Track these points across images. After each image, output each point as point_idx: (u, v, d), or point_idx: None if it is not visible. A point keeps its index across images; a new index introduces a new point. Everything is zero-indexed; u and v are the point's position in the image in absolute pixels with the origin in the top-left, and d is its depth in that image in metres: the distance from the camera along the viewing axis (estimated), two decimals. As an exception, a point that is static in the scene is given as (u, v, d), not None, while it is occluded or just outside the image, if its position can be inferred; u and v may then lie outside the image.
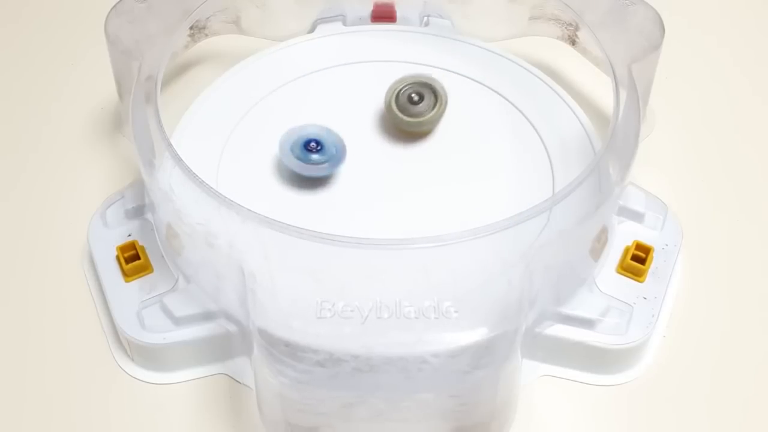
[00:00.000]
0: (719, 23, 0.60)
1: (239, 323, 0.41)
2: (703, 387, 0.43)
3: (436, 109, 0.47)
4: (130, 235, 0.45)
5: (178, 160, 0.41)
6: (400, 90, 0.48)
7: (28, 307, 0.45)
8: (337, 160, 0.46)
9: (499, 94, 0.50)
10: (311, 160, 0.45)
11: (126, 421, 0.42)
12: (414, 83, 0.48)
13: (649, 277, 0.44)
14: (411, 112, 0.47)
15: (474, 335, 0.37)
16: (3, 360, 0.44)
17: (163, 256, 0.44)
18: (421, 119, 0.47)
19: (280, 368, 0.37)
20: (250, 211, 0.39)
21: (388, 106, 0.47)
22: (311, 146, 0.45)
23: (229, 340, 0.42)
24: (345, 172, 0.47)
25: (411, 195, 0.46)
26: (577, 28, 0.51)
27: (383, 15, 0.54)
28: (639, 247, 0.45)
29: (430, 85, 0.48)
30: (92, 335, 0.44)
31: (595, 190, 0.41)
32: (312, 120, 0.48)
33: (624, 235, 0.45)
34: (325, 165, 0.46)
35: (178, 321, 0.42)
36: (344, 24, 0.54)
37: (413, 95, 0.47)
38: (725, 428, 0.42)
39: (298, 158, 0.45)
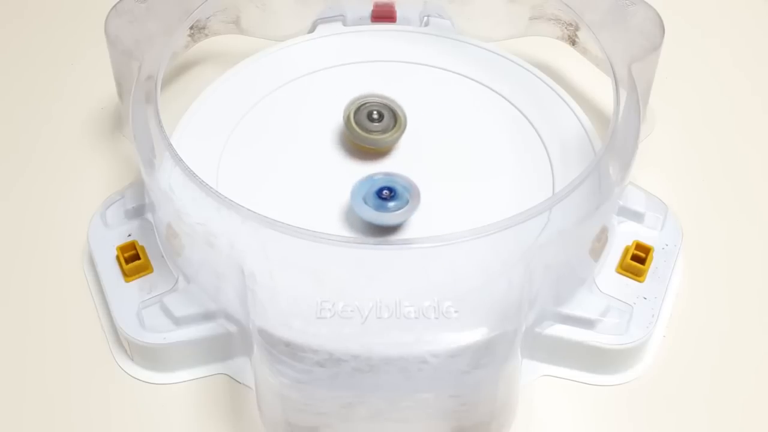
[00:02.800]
0: (719, 23, 0.60)
1: (239, 323, 0.41)
2: (703, 387, 0.43)
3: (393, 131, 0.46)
4: (130, 235, 0.45)
5: (178, 160, 0.41)
6: (360, 107, 0.47)
7: (28, 307, 0.45)
8: (414, 205, 0.44)
9: (499, 94, 0.50)
10: (387, 208, 0.43)
11: (126, 421, 0.42)
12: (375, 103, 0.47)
13: (649, 277, 0.44)
14: (369, 128, 0.46)
15: (474, 335, 0.37)
16: (3, 360, 0.44)
17: (163, 256, 0.44)
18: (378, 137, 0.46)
19: (280, 368, 0.37)
20: (250, 211, 0.39)
21: (347, 121, 0.46)
22: (384, 194, 0.43)
23: (229, 340, 0.42)
24: (344, 172, 0.47)
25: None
26: (577, 28, 0.51)
27: (383, 15, 0.54)
28: (639, 247, 0.45)
29: (390, 106, 0.47)
30: (92, 335, 0.44)
31: (595, 190, 0.41)
32: (312, 119, 0.49)
33: (624, 235, 0.45)
34: (401, 211, 0.43)
35: (178, 321, 0.42)
36: (344, 24, 0.54)
37: (374, 113, 0.46)
38: (725, 428, 0.42)
39: (374, 208, 0.43)
